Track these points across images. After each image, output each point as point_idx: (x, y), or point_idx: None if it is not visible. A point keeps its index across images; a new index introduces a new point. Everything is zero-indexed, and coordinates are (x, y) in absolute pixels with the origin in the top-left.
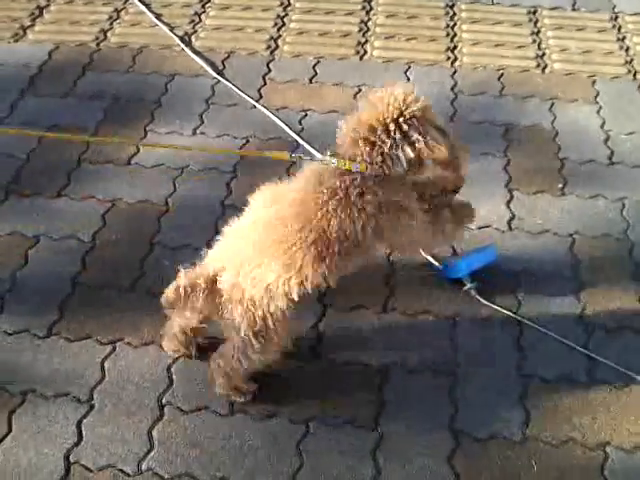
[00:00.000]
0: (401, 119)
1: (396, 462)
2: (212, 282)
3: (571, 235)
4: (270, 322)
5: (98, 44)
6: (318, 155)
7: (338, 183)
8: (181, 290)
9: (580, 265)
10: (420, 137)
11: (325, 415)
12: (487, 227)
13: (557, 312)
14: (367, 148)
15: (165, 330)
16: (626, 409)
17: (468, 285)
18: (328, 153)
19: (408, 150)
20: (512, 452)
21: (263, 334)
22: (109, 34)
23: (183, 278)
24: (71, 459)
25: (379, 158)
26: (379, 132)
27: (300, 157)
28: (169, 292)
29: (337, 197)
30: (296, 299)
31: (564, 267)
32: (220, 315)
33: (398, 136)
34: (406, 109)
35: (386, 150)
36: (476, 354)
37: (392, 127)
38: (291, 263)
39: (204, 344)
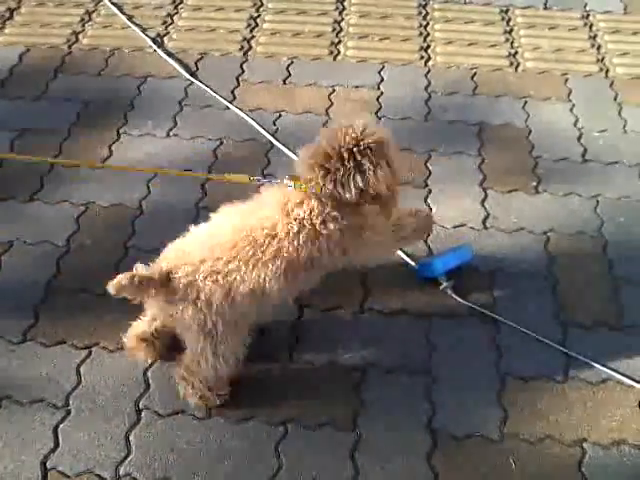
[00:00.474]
0: (355, 149)
1: (375, 462)
2: (166, 278)
3: (545, 233)
4: (220, 326)
5: (70, 46)
6: (277, 178)
7: (302, 213)
8: (135, 279)
9: (555, 263)
10: (371, 167)
11: (303, 416)
12: (462, 226)
13: (533, 310)
14: (321, 173)
15: (127, 336)
16: (603, 405)
17: (444, 284)
18: (286, 177)
19: (358, 178)
20: (490, 450)
21: (213, 336)
22: (81, 36)
23: (138, 269)
24: (48, 465)
25: (330, 185)
26: (334, 160)
27: (259, 180)
28: (122, 278)
29: (305, 229)
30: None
31: (539, 265)
32: (169, 315)
33: (350, 164)
34: (362, 140)
35: (338, 177)
36: (453, 353)
37: (346, 155)
38: (258, 283)
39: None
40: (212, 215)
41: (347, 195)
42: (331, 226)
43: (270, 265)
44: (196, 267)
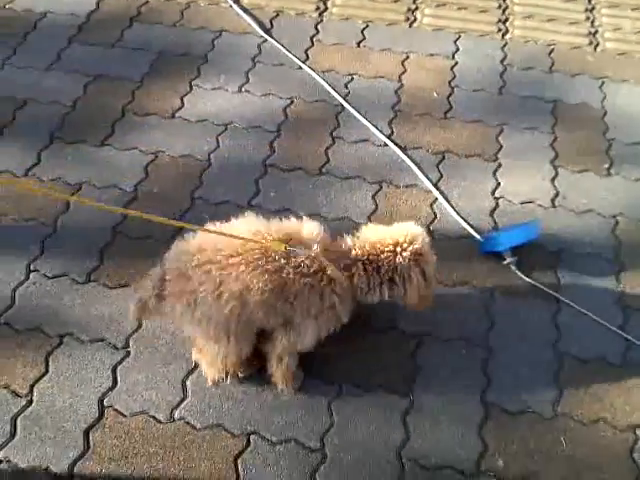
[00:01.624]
0: (385, 267)
1: (426, 428)
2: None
3: (615, 217)
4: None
5: None
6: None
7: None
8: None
9: (622, 247)
10: (400, 283)
11: (358, 378)
12: (530, 203)
13: (596, 292)
14: (361, 273)
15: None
16: None
17: (508, 259)
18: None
19: (386, 291)
20: (542, 427)
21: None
22: None
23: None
24: (105, 403)
25: (365, 287)
26: (371, 269)
27: (295, 250)
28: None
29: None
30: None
31: (606, 248)
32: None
33: (383, 280)
34: (401, 252)
35: (372, 283)
36: (512, 328)
37: (383, 271)
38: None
39: None
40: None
41: (369, 300)
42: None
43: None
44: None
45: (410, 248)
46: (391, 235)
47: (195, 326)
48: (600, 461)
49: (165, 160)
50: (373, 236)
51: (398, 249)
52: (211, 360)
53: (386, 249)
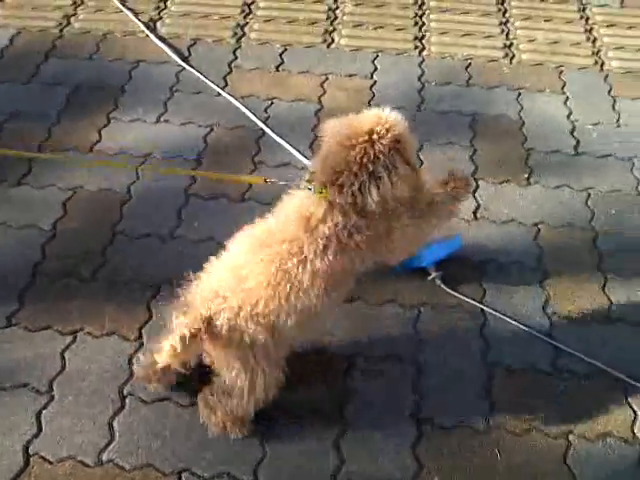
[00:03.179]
0: (365, 158)
1: (360, 451)
2: (208, 324)
3: (536, 225)
4: (264, 365)
5: (61, 30)
6: (294, 181)
7: (327, 230)
8: (186, 340)
9: (545, 255)
10: (385, 175)
11: (289, 405)
12: None
13: (522, 301)
14: (336, 190)
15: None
16: (589, 398)
17: (433, 274)
18: (304, 181)
19: (373, 190)
20: (476, 441)
21: (254, 374)
22: (72, 20)
23: (182, 327)
24: (30, 451)
25: (350, 199)
26: (345, 174)
27: (273, 182)
28: (174, 345)
29: (333, 245)
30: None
31: (529, 256)
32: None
33: (363, 176)
34: (375, 141)
35: (354, 190)
36: (441, 343)
37: (356, 168)
38: (302, 312)
39: None
40: (230, 245)
41: (368, 207)
42: (357, 237)
43: (310, 291)
44: (236, 312)
45: (388, 135)
46: (363, 124)
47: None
48: (535, 470)
49: (84, 195)
50: (343, 131)
51: (375, 137)
52: (229, 409)
53: (360, 139)
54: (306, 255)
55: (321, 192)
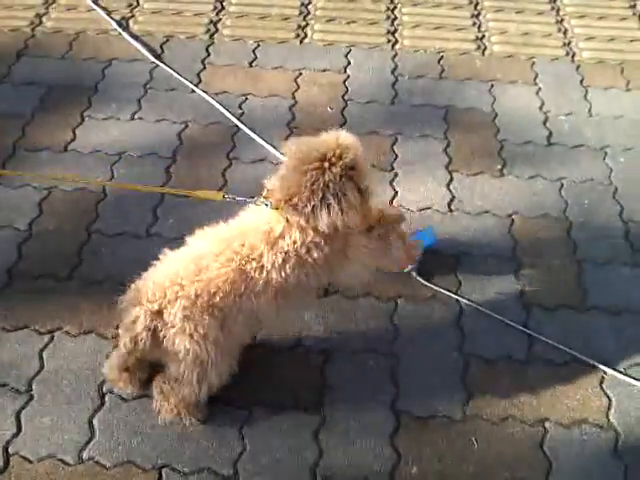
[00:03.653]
0: (316, 185)
1: (339, 443)
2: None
3: (510, 216)
4: (214, 355)
5: (33, 29)
6: (253, 199)
7: (286, 246)
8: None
9: (519, 245)
10: (335, 203)
11: (267, 399)
12: (427, 209)
13: (496, 292)
14: (292, 210)
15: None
16: (564, 385)
17: (409, 267)
18: (261, 199)
19: (325, 216)
20: (453, 430)
21: (205, 365)
22: (44, 19)
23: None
24: (10, 450)
25: (303, 221)
26: (297, 197)
27: (234, 199)
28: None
29: (291, 260)
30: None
31: (503, 247)
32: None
33: (315, 201)
34: (324, 172)
35: (308, 211)
36: (417, 335)
37: (308, 193)
38: (252, 313)
39: None
40: (190, 240)
41: (321, 229)
42: (315, 254)
43: (262, 296)
44: (192, 300)
45: (340, 163)
46: (317, 148)
47: (193, 360)
48: (512, 457)
49: (59, 195)
50: (297, 155)
51: (326, 165)
52: (182, 397)
53: (311, 166)
54: (264, 265)
55: (277, 209)
